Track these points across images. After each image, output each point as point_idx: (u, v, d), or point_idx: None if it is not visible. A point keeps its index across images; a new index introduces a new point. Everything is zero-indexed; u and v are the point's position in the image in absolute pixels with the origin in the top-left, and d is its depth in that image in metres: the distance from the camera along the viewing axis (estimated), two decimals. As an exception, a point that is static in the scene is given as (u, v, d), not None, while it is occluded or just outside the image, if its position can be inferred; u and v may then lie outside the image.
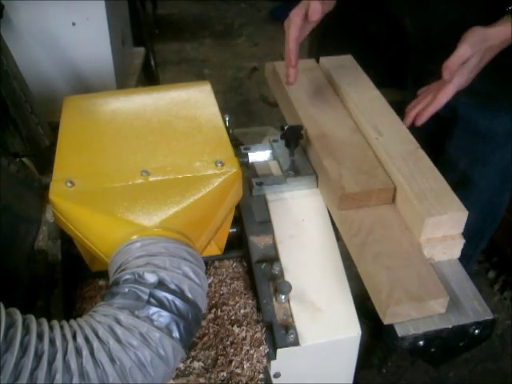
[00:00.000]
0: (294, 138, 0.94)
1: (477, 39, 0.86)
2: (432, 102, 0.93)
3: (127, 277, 0.60)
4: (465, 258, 0.81)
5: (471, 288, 0.77)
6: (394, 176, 0.86)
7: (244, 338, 0.75)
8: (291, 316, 0.77)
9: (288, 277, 0.80)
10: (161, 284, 0.59)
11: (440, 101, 0.92)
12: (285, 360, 0.75)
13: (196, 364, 0.72)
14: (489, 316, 0.74)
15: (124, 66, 1.56)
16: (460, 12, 1.01)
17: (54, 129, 0.85)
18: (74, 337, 0.54)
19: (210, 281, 0.83)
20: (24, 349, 0.50)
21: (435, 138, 1.25)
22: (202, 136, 0.80)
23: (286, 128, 0.94)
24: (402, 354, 1.65)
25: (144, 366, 0.55)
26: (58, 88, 1.32)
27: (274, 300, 0.78)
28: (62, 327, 0.54)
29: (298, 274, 0.81)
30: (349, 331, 0.76)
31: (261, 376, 0.74)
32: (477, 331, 0.74)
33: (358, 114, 0.99)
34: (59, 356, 0.51)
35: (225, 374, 0.72)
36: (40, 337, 0.52)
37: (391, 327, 0.72)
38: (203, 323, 0.76)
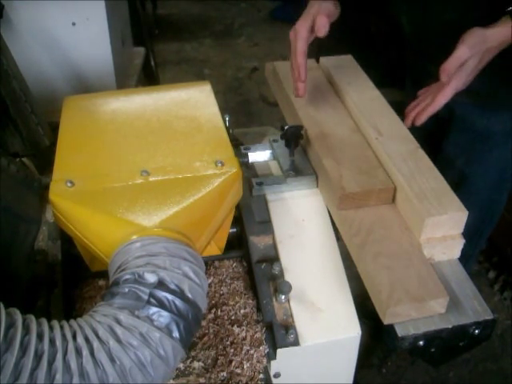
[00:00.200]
0: (294, 138, 0.94)
1: (475, 41, 0.86)
2: (431, 103, 0.93)
3: (127, 277, 0.60)
4: (464, 258, 0.81)
5: (471, 288, 0.77)
6: (394, 176, 0.86)
7: (244, 338, 0.75)
8: (291, 316, 0.77)
9: (288, 277, 0.80)
10: (161, 284, 0.59)
11: (438, 102, 0.92)
12: (285, 360, 0.75)
13: (196, 364, 0.72)
14: (489, 316, 0.74)
15: (124, 66, 1.56)
16: (457, 12, 1.01)
17: (54, 129, 0.85)
18: (74, 337, 0.54)
19: (210, 281, 0.83)
20: (24, 349, 0.50)
21: (433, 137, 1.25)
22: (202, 136, 0.80)
23: (286, 128, 0.94)
24: (402, 354, 1.65)
25: (144, 366, 0.55)
26: (58, 88, 1.32)
27: (274, 300, 0.78)
28: (62, 327, 0.54)
29: (298, 274, 0.81)
30: (349, 331, 0.76)
31: (261, 376, 0.74)
32: (477, 331, 0.74)
33: (357, 114, 0.99)
34: (59, 356, 0.51)
35: (225, 374, 0.72)
36: (40, 337, 0.52)
37: (391, 327, 0.72)
38: (203, 323, 0.76)
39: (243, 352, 0.74)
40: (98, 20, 1.28)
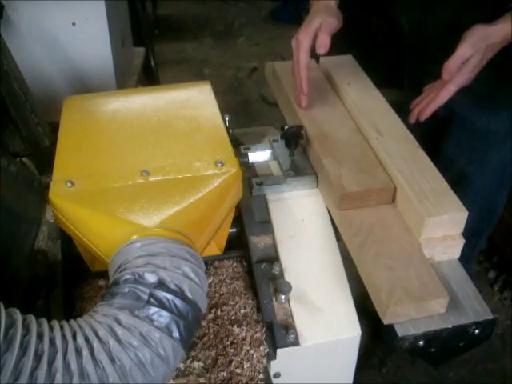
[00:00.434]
0: (294, 138, 0.94)
1: (478, 38, 0.86)
2: (434, 98, 0.94)
3: (127, 277, 0.60)
4: (464, 258, 0.81)
5: (471, 288, 0.78)
6: (394, 176, 0.86)
7: (244, 338, 0.75)
8: (291, 316, 0.77)
9: (288, 277, 0.80)
10: (161, 284, 0.59)
11: (442, 99, 0.93)
12: (285, 360, 0.75)
13: (196, 364, 0.72)
14: (489, 316, 0.74)
15: (124, 66, 1.56)
16: (456, 12, 1.01)
17: (54, 129, 0.85)
18: (74, 337, 0.54)
19: (210, 281, 0.83)
20: (24, 349, 0.50)
21: (433, 137, 1.25)
22: (202, 136, 0.80)
23: (285, 128, 0.94)
24: (402, 354, 1.65)
25: (144, 365, 0.55)
26: (58, 88, 1.32)
27: (274, 300, 0.78)
28: (61, 327, 0.54)
29: (298, 274, 0.81)
30: (349, 331, 0.76)
31: (261, 376, 0.74)
32: (477, 331, 0.74)
33: (357, 114, 0.99)
34: (59, 356, 0.51)
35: (225, 374, 0.72)
36: (40, 337, 0.52)
37: (391, 327, 0.72)
38: (203, 323, 0.76)
39: (243, 352, 0.74)
40: (98, 20, 1.28)
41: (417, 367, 1.69)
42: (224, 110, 0.87)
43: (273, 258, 0.83)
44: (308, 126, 0.98)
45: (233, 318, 0.78)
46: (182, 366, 0.72)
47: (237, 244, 0.89)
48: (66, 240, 0.81)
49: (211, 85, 0.92)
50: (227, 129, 0.84)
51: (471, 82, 0.92)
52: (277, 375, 0.77)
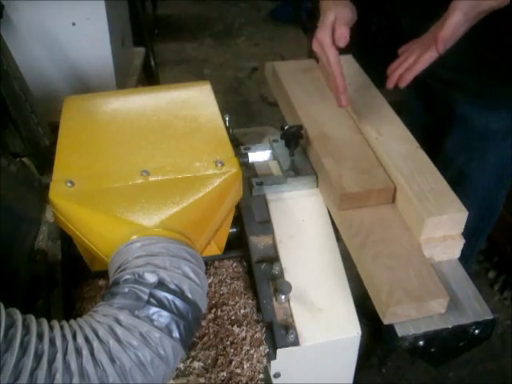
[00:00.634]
0: (294, 138, 0.94)
1: (469, 6, 0.84)
2: (415, 64, 0.90)
3: (127, 277, 0.60)
4: (463, 257, 0.81)
5: (471, 288, 0.78)
6: (394, 176, 0.86)
7: (244, 338, 0.75)
8: (291, 316, 0.77)
9: (288, 277, 0.80)
10: (161, 284, 0.59)
11: (423, 64, 0.89)
12: (285, 360, 0.75)
13: (196, 364, 0.72)
14: (489, 316, 0.74)
15: (124, 66, 1.56)
16: None
17: (54, 129, 0.85)
18: (74, 337, 0.54)
19: (210, 281, 0.83)
20: (24, 349, 0.50)
21: (433, 137, 1.25)
22: (202, 136, 0.80)
23: (285, 128, 0.94)
24: (402, 354, 1.65)
25: (144, 366, 0.55)
26: (58, 88, 1.32)
27: (274, 300, 0.78)
28: (61, 327, 0.54)
29: (298, 274, 0.81)
30: (349, 331, 0.76)
31: (261, 376, 0.74)
32: (477, 331, 0.74)
33: (358, 114, 0.99)
34: (59, 356, 0.51)
35: (225, 374, 0.72)
36: (40, 337, 0.52)
37: (391, 327, 0.72)
38: (203, 323, 0.76)
39: (243, 352, 0.74)
40: (98, 20, 1.28)
41: (417, 367, 1.69)
42: (224, 109, 0.87)
43: (273, 258, 0.83)
44: (308, 126, 0.98)
45: (233, 317, 0.78)
46: (182, 365, 0.72)
47: (237, 244, 0.89)
48: (66, 240, 0.81)
49: (211, 85, 0.92)
50: (227, 129, 0.84)
51: (471, 82, 0.92)
52: (277, 375, 0.77)
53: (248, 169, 0.97)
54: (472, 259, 1.60)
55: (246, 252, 0.86)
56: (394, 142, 0.92)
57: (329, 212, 0.90)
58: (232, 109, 2.81)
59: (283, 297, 0.77)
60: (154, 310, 0.57)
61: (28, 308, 0.72)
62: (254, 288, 0.81)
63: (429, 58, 0.88)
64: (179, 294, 0.60)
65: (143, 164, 0.74)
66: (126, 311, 0.57)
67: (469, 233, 0.81)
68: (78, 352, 0.52)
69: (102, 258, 0.70)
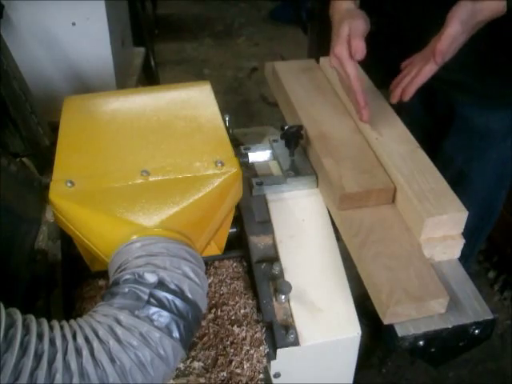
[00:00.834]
0: (294, 138, 0.94)
1: (466, 16, 0.84)
2: (416, 77, 0.91)
3: (127, 277, 0.60)
4: (463, 257, 0.81)
5: (471, 288, 0.78)
6: (394, 176, 0.86)
7: (244, 338, 0.75)
8: (291, 316, 0.77)
9: (288, 277, 0.80)
10: (161, 284, 0.59)
11: (424, 76, 0.90)
12: (285, 360, 0.75)
13: (196, 364, 0.72)
14: (489, 316, 0.74)
15: (124, 66, 1.56)
16: (447, 11, 1.00)
17: (54, 129, 0.85)
18: (74, 337, 0.54)
19: (210, 281, 0.83)
20: (24, 349, 0.50)
21: (433, 137, 1.25)
22: (202, 136, 0.80)
23: (285, 128, 0.94)
24: (402, 354, 1.65)
25: (144, 365, 0.55)
26: (58, 88, 1.32)
27: (274, 300, 0.78)
28: (61, 327, 0.54)
29: (298, 274, 0.81)
30: (349, 331, 0.76)
31: (261, 376, 0.74)
32: (477, 331, 0.74)
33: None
34: (59, 356, 0.51)
35: (225, 374, 0.72)
36: (40, 337, 0.52)
37: (391, 327, 0.72)
38: (203, 323, 0.76)
39: (243, 352, 0.74)
40: (98, 20, 1.28)
41: (417, 367, 1.69)
42: (224, 110, 0.87)
43: (273, 258, 0.83)
44: (308, 126, 0.98)
45: (233, 318, 0.78)
46: (182, 365, 0.72)
47: (237, 244, 0.89)
48: (66, 240, 0.81)
49: (211, 85, 0.92)
50: (227, 129, 0.84)
51: (471, 82, 0.92)
52: (277, 375, 0.77)
53: (248, 169, 0.97)
54: (472, 259, 1.60)
55: (246, 252, 0.86)
56: (394, 142, 0.92)
57: (329, 212, 0.90)
58: (232, 109, 2.81)
59: (283, 297, 0.77)
60: (153, 310, 0.57)
61: (28, 308, 0.72)
62: (254, 288, 0.81)
63: (429, 70, 0.89)
64: (179, 293, 0.60)
65: (143, 164, 0.74)
66: (126, 311, 0.57)
67: (469, 233, 0.81)
68: (78, 352, 0.52)
69: (102, 258, 0.70)
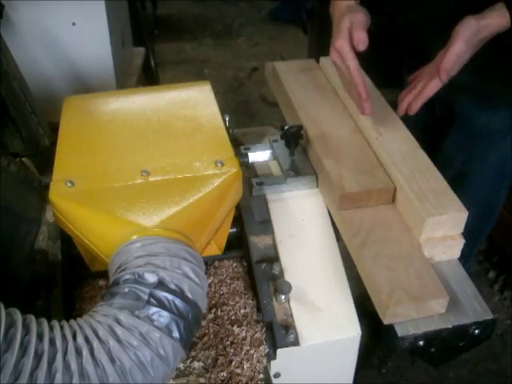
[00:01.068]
0: (294, 138, 0.94)
1: (470, 34, 0.85)
2: (422, 92, 0.92)
3: (127, 277, 0.60)
4: (463, 257, 0.81)
5: (471, 288, 0.78)
6: (394, 176, 0.86)
7: (244, 338, 0.75)
8: (291, 316, 0.77)
9: (288, 277, 0.80)
10: (161, 284, 0.59)
11: (430, 92, 0.91)
12: (285, 360, 0.75)
13: (196, 364, 0.72)
14: (489, 316, 0.74)
15: (124, 66, 1.56)
16: (453, 12, 1.00)
17: (54, 129, 0.85)
18: (74, 337, 0.54)
19: (210, 281, 0.83)
20: (24, 349, 0.50)
21: (433, 137, 1.25)
22: (202, 136, 0.80)
23: (285, 128, 0.94)
24: (402, 354, 1.65)
25: (144, 365, 0.55)
26: (58, 88, 1.32)
27: (274, 300, 0.78)
28: (62, 327, 0.54)
29: (298, 273, 0.81)
30: (349, 331, 0.76)
31: (261, 376, 0.74)
32: (477, 331, 0.74)
33: (357, 114, 0.99)
34: (59, 356, 0.51)
35: (225, 374, 0.72)
36: (40, 337, 0.52)
37: (391, 327, 0.72)
38: (203, 323, 0.76)
39: (243, 352, 0.74)
40: (98, 20, 1.28)
41: (417, 367, 1.69)
42: (224, 110, 0.87)
43: (273, 258, 0.83)
44: (308, 126, 0.98)
45: (233, 318, 0.78)
46: (182, 365, 0.72)
47: (237, 244, 0.89)
48: (66, 240, 0.81)
49: (211, 85, 0.92)
50: (227, 129, 0.84)
51: (471, 82, 0.92)
52: (277, 375, 0.77)
53: (248, 169, 0.97)
54: (472, 259, 1.60)
55: (246, 252, 0.86)
56: (394, 142, 0.92)
57: (329, 212, 0.90)
58: (232, 109, 2.81)
59: (283, 297, 0.77)
60: (153, 310, 0.57)
61: (28, 308, 0.72)
62: (254, 288, 0.81)
63: (435, 86, 0.90)
64: (179, 294, 0.60)
65: (143, 164, 0.74)
66: (126, 311, 0.57)
67: (469, 233, 0.81)
68: (78, 352, 0.52)
69: (102, 258, 0.70)
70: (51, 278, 0.78)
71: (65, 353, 0.52)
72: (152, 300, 0.58)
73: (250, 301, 0.80)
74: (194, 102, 0.88)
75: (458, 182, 1.20)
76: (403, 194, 0.83)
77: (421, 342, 0.72)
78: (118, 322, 0.56)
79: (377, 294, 0.73)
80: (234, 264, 0.86)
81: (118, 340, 0.54)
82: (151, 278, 0.59)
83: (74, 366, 0.51)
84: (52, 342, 0.52)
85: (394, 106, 1.02)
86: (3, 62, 0.94)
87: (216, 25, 3.74)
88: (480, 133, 1.19)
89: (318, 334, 0.75)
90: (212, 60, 3.35)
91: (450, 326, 0.72)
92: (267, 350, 0.74)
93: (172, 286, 0.60)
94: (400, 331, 0.71)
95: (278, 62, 1.19)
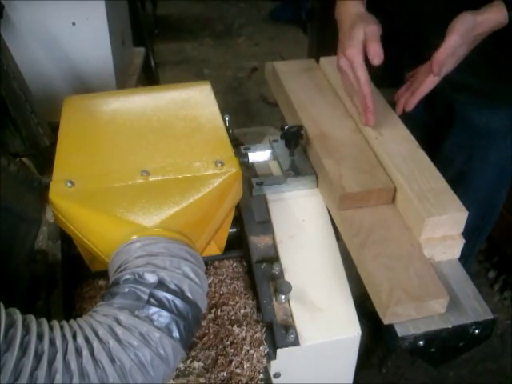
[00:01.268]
0: (294, 138, 0.94)
1: (466, 28, 0.85)
2: (418, 89, 0.92)
3: (127, 277, 0.60)
4: (463, 257, 0.81)
5: (471, 288, 0.78)
6: (394, 176, 0.86)
7: (244, 338, 0.75)
8: (291, 316, 0.77)
9: (288, 277, 0.80)
10: (161, 284, 0.59)
11: (426, 88, 0.91)
12: (285, 360, 0.75)
13: (196, 364, 0.72)
14: (489, 316, 0.74)
15: (124, 66, 1.56)
16: (451, 12, 1.00)
17: (54, 129, 0.85)
18: (74, 337, 0.54)
19: (210, 281, 0.83)
20: (24, 349, 0.50)
21: (433, 137, 1.25)
22: (202, 136, 0.80)
23: (285, 128, 0.94)
24: (402, 354, 1.65)
25: (144, 366, 0.55)
26: (58, 88, 1.32)
27: (274, 300, 0.78)
28: (62, 327, 0.54)
29: (298, 273, 0.81)
30: (349, 331, 0.76)
31: (261, 376, 0.74)
32: (477, 331, 0.74)
33: (357, 114, 0.99)
34: (59, 356, 0.51)
35: (225, 374, 0.72)
36: (40, 337, 0.52)
37: (391, 327, 0.72)
38: (203, 323, 0.76)
39: (243, 352, 0.74)
40: (98, 20, 1.28)
41: (417, 367, 1.69)
42: (224, 110, 0.87)
43: (273, 258, 0.83)
44: (308, 126, 0.98)
45: (233, 318, 0.78)
46: (182, 365, 0.72)
47: (237, 244, 0.89)
48: (66, 240, 0.81)
49: (211, 85, 0.92)
50: (227, 129, 0.84)
51: (470, 81, 0.92)
52: (277, 375, 0.77)
53: (248, 169, 0.97)
54: (472, 259, 1.60)
55: (246, 252, 0.86)
56: (394, 142, 0.92)
57: (329, 212, 0.90)
58: (232, 109, 2.81)
59: (283, 297, 0.77)
60: (153, 310, 0.57)
61: (28, 308, 0.72)
62: (254, 288, 0.81)
63: (431, 82, 0.90)
64: (179, 294, 0.60)
65: (143, 164, 0.74)
66: (126, 311, 0.57)
67: (469, 232, 0.81)
68: (78, 352, 0.52)
69: (102, 258, 0.70)
70: (51, 278, 0.78)
71: (65, 353, 0.52)
72: (152, 300, 0.58)
73: (250, 301, 0.80)
74: (194, 102, 0.88)
75: (458, 182, 1.20)
76: (403, 194, 0.83)
77: (421, 342, 0.72)
78: (118, 322, 0.56)
79: (377, 293, 0.73)
80: (234, 264, 0.86)
81: (118, 340, 0.54)
82: (151, 277, 0.59)
83: (74, 366, 0.51)
84: (52, 342, 0.52)
85: (394, 106, 1.02)
86: (3, 62, 0.94)
87: (216, 25, 3.75)
88: (480, 132, 1.19)
89: (317, 334, 0.75)
90: (212, 60, 3.35)
91: (449, 326, 0.72)
92: (267, 349, 0.74)
93: (172, 286, 0.60)
94: (400, 331, 0.71)
95: (278, 62, 1.19)
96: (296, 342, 0.73)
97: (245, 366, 0.73)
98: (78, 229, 0.70)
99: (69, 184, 0.70)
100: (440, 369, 1.67)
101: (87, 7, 1.25)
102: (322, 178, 0.93)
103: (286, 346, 0.73)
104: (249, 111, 2.90)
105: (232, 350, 0.74)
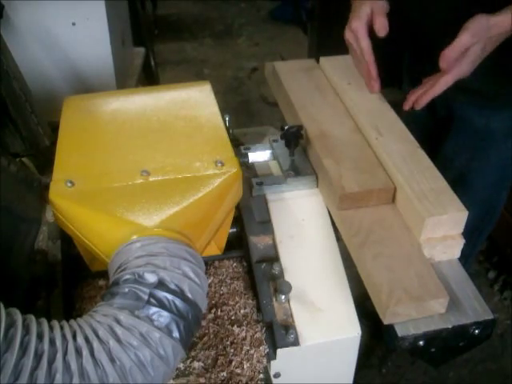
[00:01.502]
0: (293, 137, 0.94)
1: (479, 28, 0.85)
2: (431, 88, 0.93)
3: (127, 277, 0.60)
4: (463, 257, 0.81)
5: (471, 288, 0.77)
6: (394, 176, 0.86)
7: (244, 338, 0.75)
8: (291, 316, 0.77)
9: (288, 277, 0.80)
10: (161, 284, 0.59)
11: (438, 89, 0.92)
12: (285, 360, 0.75)
13: (196, 364, 0.72)
14: (489, 316, 0.74)
15: (124, 66, 1.56)
16: (453, 11, 1.00)
17: (54, 129, 0.85)
18: (74, 337, 0.54)
19: (210, 281, 0.83)
20: (24, 349, 0.50)
21: (433, 137, 1.25)
22: (202, 136, 0.80)
23: (285, 128, 0.94)
24: (402, 354, 1.66)
25: (144, 365, 0.55)
26: (58, 88, 1.32)
27: (274, 300, 0.78)
28: (62, 327, 0.54)
29: (298, 273, 0.81)
30: (349, 331, 0.76)
31: (261, 376, 0.74)
32: (477, 331, 0.74)
33: (357, 114, 0.99)
34: (59, 356, 0.51)
35: (225, 374, 0.72)
36: (40, 337, 0.52)
37: (391, 327, 0.72)
38: (203, 323, 0.76)
39: (243, 352, 0.74)
40: (98, 20, 1.28)
41: (417, 367, 1.69)
42: (224, 110, 0.87)
43: (273, 258, 0.83)
44: (308, 126, 0.98)
45: (233, 318, 0.78)
46: (182, 365, 0.72)
47: (237, 244, 0.89)
48: (66, 240, 0.81)
49: (211, 85, 0.92)
50: (227, 129, 0.84)
51: (471, 82, 0.92)
52: (277, 375, 0.77)
53: (248, 169, 0.97)
54: (472, 259, 1.60)
55: (246, 252, 0.86)
56: (394, 142, 0.92)
57: (329, 212, 0.90)
58: (232, 109, 2.81)
59: (283, 297, 0.77)
60: (153, 310, 0.57)
61: (28, 308, 0.72)
62: (254, 288, 0.81)
63: (444, 83, 0.91)
64: (179, 294, 0.60)
65: (143, 164, 0.74)
66: (125, 311, 0.57)
67: (469, 233, 0.81)
68: (78, 352, 0.53)
69: (102, 258, 0.70)
70: (51, 278, 0.78)
71: (65, 353, 0.52)
72: (152, 300, 0.58)
73: (250, 301, 0.80)
74: (194, 102, 0.88)
75: (459, 183, 1.20)
76: (403, 193, 0.83)
77: (421, 342, 0.72)
78: (118, 322, 0.56)
79: (377, 294, 0.73)
80: (234, 264, 0.86)
81: (118, 340, 0.54)
82: (151, 277, 0.59)
83: (74, 366, 0.51)
84: (52, 342, 0.52)
85: (394, 106, 1.02)
86: (3, 62, 0.94)
87: (216, 25, 3.75)
88: (480, 133, 1.19)
89: (317, 334, 0.75)
90: (212, 60, 3.35)
91: (450, 326, 0.72)
92: (267, 350, 0.74)
93: (172, 286, 0.60)
94: (400, 331, 0.71)
95: (278, 62, 1.19)
96: (296, 342, 0.73)
97: (245, 366, 0.73)
98: (77, 229, 0.70)
99: (69, 184, 0.70)
100: (440, 369, 1.67)
101: (87, 7, 1.25)
102: (321, 178, 0.93)
103: (286, 346, 0.73)
104: (249, 111, 2.90)
105: (232, 350, 0.74)
